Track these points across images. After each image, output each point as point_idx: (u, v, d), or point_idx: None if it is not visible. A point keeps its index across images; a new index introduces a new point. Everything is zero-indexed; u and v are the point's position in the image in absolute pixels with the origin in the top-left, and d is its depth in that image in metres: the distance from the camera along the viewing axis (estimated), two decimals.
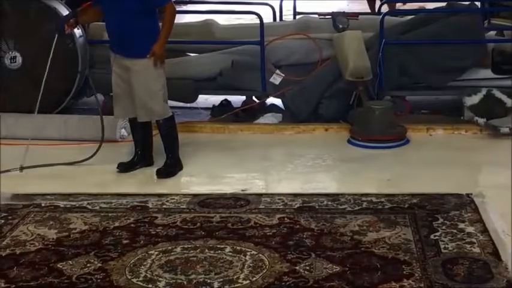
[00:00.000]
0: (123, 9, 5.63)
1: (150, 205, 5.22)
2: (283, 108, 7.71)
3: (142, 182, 5.84)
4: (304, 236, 4.61)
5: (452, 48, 7.51)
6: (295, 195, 5.35)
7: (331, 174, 6.12)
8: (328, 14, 7.76)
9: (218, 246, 4.50)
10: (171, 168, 5.93)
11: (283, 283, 4.01)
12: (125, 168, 5.99)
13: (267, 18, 8.40)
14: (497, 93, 7.22)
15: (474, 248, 4.39)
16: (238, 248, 4.47)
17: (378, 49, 7.32)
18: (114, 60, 5.85)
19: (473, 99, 7.21)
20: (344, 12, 7.79)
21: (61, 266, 4.26)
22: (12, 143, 6.68)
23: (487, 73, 7.48)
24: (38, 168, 6.07)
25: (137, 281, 4.08)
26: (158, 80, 5.79)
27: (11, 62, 7.37)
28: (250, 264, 4.24)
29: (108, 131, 6.60)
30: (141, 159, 6.06)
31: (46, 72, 6.04)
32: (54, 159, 6.22)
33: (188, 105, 7.82)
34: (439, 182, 5.65)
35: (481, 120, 6.98)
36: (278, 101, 7.86)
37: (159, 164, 6.04)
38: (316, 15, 8.21)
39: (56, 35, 5.93)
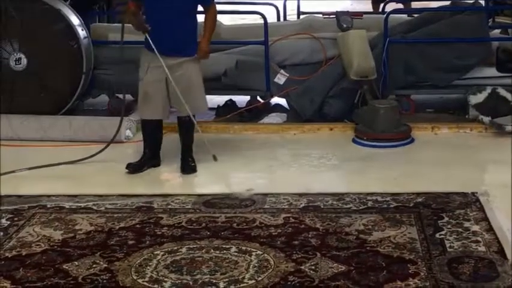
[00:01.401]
0: (172, 8, 5.68)
1: (155, 205, 5.23)
2: (288, 108, 7.72)
3: (148, 183, 5.85)
4: (310, 236, 4.61)
5: (457, 46, 7.51)
6: (300, 194, 5.35)
7: (336, 174, 6.12)
8: (332, 13, 7.75)
9: (223, 246, 4.50)
10: (193, 164, 6.01)
11: (288, 283, 4.01)
12: (134, 169, 5.98)
13: (271, 18, 8.40)
14: (502, 92, 7.22)
15: (480, 246, 4.38)
16: (243, 248, 4.47)
17: (382, 48, 7.32)
18: (152, 59, 5.83)
19: (478, 98, 7.22)
20: (348, 11, 7.78)
21: (67, 267, 4.26)
22: (17, 144, 6.70)
23: (492, 71, 7.48)
24: (43, 169, 6.08)
25: (143, 281, 4.08)
26: (200, 74, 5.98)
27: (15, 64, 7.38)
28: (256, 264, 4.24)
29: (114, 132, 6.62)
30: (149, 159, 6.06)
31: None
32: (60, 161, 6.22)
33: None
34: (444, 180, 5.65)
35: (486, 119, 6.97)
36: (282, 101, 7.87)
37: (165, 165, 6.06)
38: (320, 15, 8.21)
39: (145, 35, 5.87)
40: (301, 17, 9.08)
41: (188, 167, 5.99)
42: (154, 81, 5.87)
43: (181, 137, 6.09)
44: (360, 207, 5.07)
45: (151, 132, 6.09)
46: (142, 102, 6.02)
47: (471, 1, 8.07)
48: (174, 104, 5.99)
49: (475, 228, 4.65)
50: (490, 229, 4.62)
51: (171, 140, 6.27)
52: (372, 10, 10.50)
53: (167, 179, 5.99)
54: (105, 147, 6.24)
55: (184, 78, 5.86)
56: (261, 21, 7.58)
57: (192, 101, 5.92)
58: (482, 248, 4.36)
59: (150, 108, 5.98)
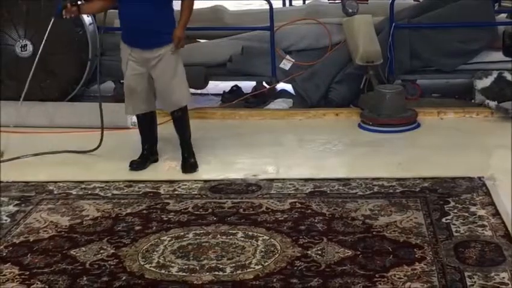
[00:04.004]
0: (146, 0, 5.48)
1: (162, 191, 5.24)
2: (294, 94, 7.71)
3: (154, 169, 5.85)
4: (316, 221, 4.62)
5: (463, 31, 7.49)
6: (307, 180, 5.36)
7: (342, 159, 6.12)
8: None
9: (230, 231, 4.52)
10: (193, 160, 5.82)
11: (295, 267, 4.02)
12: (137, 166, 5.81)
13: (277, 3, 8.38)
14: (509, 76, 7.20)
15: (486, 231, 4.39)
16: (250, 233, 4.48)
17: (388, 33, 7.30)
18: (130, 54, 5.62)
19: (484, 82, 7.20)
20: None
21: (74, 253, 4.29)
22: (23, 131, 6.71)
23: (498, 56, 7.46)
24: (50, 155, 6.10)
25: (150, 266, 4.10)
26: (180, 63, 5.69)
27: (21, 50, 7.39)
28: (262, 249, 4.25)
29: (120, 118, 6.62)
30: (149, 155, 5.91)
31: (38, 55, 5.97)
32: (65, 147, 6.24)
33: (198, 91, 7.82)
34: (450, 165, 5.64)
35: (492, 103, 6.96)
36: (288, 87, 7.86)
37: (169, 154, 6.03)
38: (326, 0, 8.19)
39: (52, 19, 5.75)
40: (307, 2, 9.06)
41: (189, 165, 5.76)
42: (134, 75, 5.65)
43: (177, 132, 5.88)
44: (366, 192, 5.07)
45: (146, 127, 5.89)
46: (126, 98, 5.81)
47: None
48: (158, 101, 5.81)
49: (481, 212, 4.65)
50: (497, 213, 4.62)
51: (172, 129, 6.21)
52: None
53: (171, 167, 5.93)
54: (101, 141, 6.18)
55: (165, 69, 5.59)
56: (267, 6, 7.56)
57: (173, 95, 5.69)
58: (488, 233, 4.36)
59: (132, 103, 5.77)
